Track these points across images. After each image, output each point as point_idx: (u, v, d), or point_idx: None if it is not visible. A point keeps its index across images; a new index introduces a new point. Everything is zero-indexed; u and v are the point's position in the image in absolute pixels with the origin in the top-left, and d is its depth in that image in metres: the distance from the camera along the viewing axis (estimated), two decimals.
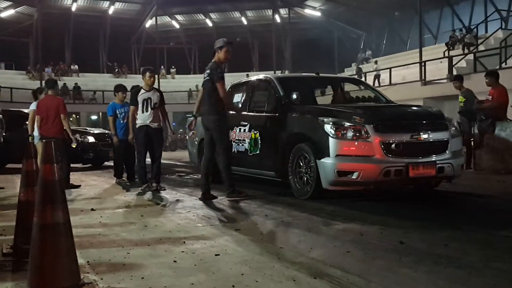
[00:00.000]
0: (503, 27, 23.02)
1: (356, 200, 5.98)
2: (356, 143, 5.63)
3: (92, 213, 5.75)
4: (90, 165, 13.25)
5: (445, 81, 18.65)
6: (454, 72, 18.29)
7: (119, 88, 9.23)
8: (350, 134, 5.65)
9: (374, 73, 24.15)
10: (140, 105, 7.65)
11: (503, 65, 16.97)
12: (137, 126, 7.72)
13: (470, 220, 4.90)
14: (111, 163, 10.99)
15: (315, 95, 8.29)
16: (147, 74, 7.76)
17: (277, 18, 36.74)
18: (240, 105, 7.84)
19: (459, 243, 3.84)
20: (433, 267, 3.24)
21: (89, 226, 4.92)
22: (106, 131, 12.72)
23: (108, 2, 35.96)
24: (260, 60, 40.57)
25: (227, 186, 6.47)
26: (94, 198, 7.15)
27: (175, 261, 3.50)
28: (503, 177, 8.08)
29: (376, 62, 27.45)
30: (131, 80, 27.89)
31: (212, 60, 6.53)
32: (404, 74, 21.03)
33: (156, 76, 7.97)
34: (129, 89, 9.45)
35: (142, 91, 7.75)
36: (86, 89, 32.60)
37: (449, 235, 4.09)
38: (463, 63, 19.21)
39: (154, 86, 7.91)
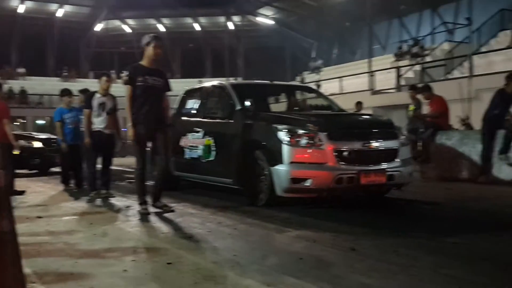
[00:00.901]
0: (449, 39, 23.84)
1: (309, 207, 6.02)
2: (309, 151, 5.66)
3: (38, 220, 5.54)
4: (36, 171, 12.80)
5: (393, 91, 19.12)
6: (402, 82, 18.80)
7: (65, 92, 8.98)
8: (303, 141, 5.67)
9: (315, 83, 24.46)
10: (94, 110, 7.48)
11: (449, 76, 17.57)
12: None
13: (419, 227, 5.02)
14: (58, 169, 10.66)
15: (269, 102, 8.33)
16: (104, 79, 7.61)
17: (230, 25, 36.83)
18: (194, 111, 7.78)
19: (409, 249, 3.92)
20: (385, 273, 3.29)
21: (35, 234, 4.75)
22: (53, 136, 12.32)
23: (57, 5, 35.00)
24: (213, 66, 40.45)
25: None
26: (41, 205, 6.90)
27: (125, 270, 3.41)
28: (449, 184, 8.34)
29: (317, 73, 28.05)
30: (79, 84, 27.11)
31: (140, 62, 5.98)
32: (354, 84, 21.43)
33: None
34: (75, 93, 9.21)
35: (97, 95, 7.58)
36: (33, 93, 31.54)
37: (399, 242, 4.17)
38: (410, 74, 19.76)
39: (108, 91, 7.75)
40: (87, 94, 7.81)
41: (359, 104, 13.38)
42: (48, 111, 28.04)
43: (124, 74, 5.88)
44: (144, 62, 5.90)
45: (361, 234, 4.52)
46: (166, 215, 5.76)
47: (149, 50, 5.82)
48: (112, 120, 7.64)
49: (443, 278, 3.21)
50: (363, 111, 12.85)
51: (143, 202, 5.93)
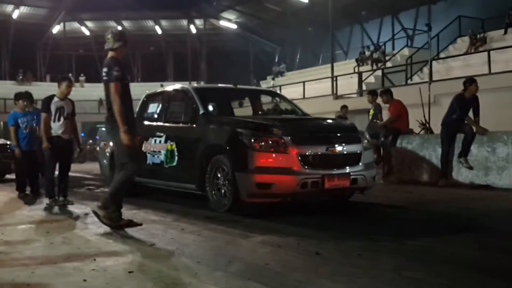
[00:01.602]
0: (409, 45, 24.41)
1: (273, 212, 5.99)
2: (274, 155, 5.63)
3: None
4: None
5: (355, 95, 19.40)
6: (364, 87, 19.10)
7: (20, 96, 8.68)
8: (268, 146, 5.65)
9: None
10: (52, 114, 7.24)
11: (409, 81, 17.93)
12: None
13: (382, 229, 5.06)
14: (13, 176, 10.30)
15: (233, 106, 8.27)
16: (65, 83, 7.31)
17: (193, 29, 36.63)
18: (155, 116, 7.64)
19: (372, 253, 3.95)
20: (349, 277, 3.30)
21: None
22: (8, 142, 11.91)
23: (12, 6, 33.97)
24: (175, 70, 40.14)
25: (111, 206, 5.16)
26: None
27: (85, 280, 3.31)
28: (410, 187, 8.47)
29: (273, 79, 28.39)
30: (35, 88, 26.44)
31: (110, 56, 5.26)
32: (316, 88, 21.65)
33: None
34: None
35: (56, 99, 7.32)
36: None
37: (362, 245, 4.20)
38: (372, 79, 20.09)
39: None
40: (46, 98, 7.53)
41: (344, 107, 13.41)
42: (2, 115, 27.19)
43: (115, 70, 5.11)
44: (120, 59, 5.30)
45: (325, 238, 4.53)
46: None
47: (125, 48, 5.35)
48: (70, 125, 7.41)
49: (405, 280, 3.24)
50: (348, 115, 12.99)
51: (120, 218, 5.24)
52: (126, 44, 5.33)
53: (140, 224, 5.24)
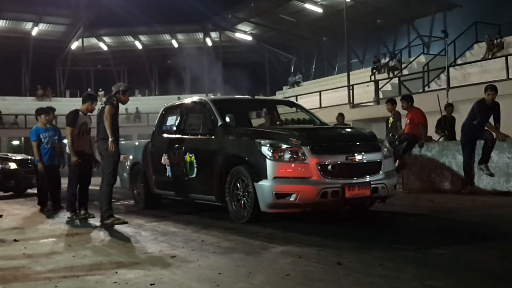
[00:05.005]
0: (425, 52, 24.23)
1: (293, 222, 5.97)
2: (293, 165, 5.62)
3: (15, 244, 5.38)
4: (11, 193, 12.52)
5: (372, 104, 19.30)
6: (381, 96, 18.99)
7: (41, 111, 8.79)
8: (287, 156, 5.63)
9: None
10: (76, 129, 7.36)
11: (426, 88, 17.78)
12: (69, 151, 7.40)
13: (403, 239, 5.01)
14: (34, 191, 10.43)
15: (251, 117, 8.29)
16: (93, 102, 7.53)
17: (209, 42, 36.90)
18: (174, 128, 7.69)
19: (394, 262, 3.90)
20: (371, 287, 3.25)
21: (12, 258, 4.61)
22: (29, 157, 12.08)
23: (31, 23, 34.60)
24: (192, 82, 40.39)
25: (101, 213, 6.68)
26: (17, 228, 6.71)
27: None
28: (430, 195, 8.38)
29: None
30: (55, 103, 26.76)
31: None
32: (333, 98, 21.58)
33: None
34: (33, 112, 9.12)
35: (81, 114, 7.47)
36: (7, 113, 31.03)
37: (384, 255, 4.15)
38: (388, 87, 19.96)
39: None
40: (72, 112, 7.62)
41: (340, 116, 13.06)
42: (23, 131, 27.60)
43: (112, 100, 6.76)
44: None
45: (346, 248, 4.49)
46: (152, 233, 5.65)
47: (124, 97, 6.92)
48: (89, 140, 7.55)
49: None
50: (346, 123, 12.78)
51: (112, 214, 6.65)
52: (123, 93, 6.89)
53: (126, 222, 6.50)
